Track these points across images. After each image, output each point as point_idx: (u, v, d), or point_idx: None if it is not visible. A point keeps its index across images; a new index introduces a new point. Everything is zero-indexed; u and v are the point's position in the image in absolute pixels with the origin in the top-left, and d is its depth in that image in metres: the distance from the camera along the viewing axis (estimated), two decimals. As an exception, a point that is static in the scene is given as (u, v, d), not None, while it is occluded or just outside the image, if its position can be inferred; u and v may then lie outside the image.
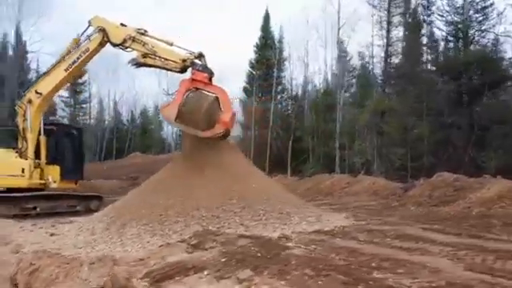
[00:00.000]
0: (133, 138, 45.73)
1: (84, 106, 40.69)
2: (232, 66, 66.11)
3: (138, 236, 8.12)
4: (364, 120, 25.20)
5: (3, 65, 36.58)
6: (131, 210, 9.33)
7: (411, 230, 8.24)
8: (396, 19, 29.11)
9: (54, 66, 13.01)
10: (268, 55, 39.02)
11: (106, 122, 47.27)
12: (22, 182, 12.07)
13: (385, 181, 18.17)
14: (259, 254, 5.63)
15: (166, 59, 11.81)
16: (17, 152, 12.41)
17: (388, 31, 28.01)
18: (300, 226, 8.85)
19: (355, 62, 37.34)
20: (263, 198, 9.66)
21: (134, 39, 12.00)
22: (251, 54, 40.91)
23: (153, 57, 11.94)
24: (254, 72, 39.93)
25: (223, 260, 5.51)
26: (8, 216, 11.17)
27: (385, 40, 28.53)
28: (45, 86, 12.73)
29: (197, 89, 11.27)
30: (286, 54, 40.90)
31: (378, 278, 4.55)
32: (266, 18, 41.64)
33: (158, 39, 12.23)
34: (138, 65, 12.55)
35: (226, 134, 11.79)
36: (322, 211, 11.11)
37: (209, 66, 11.85)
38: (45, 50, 56.13)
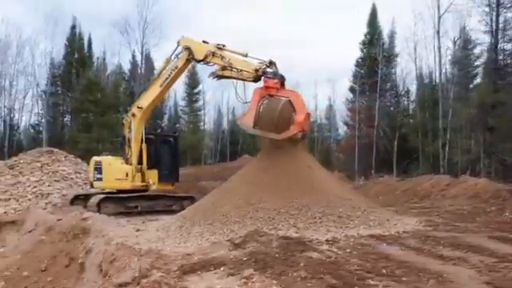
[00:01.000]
0: (245, 141, 48.42)
1: (199, 113, 44.65)
2: (340, 65, 65.11)
3: (200, 234, 9.05)
4: (467, 115, 22.66)
5: (135, 83, 42.08)
6: (202, 211, 10.37)
7: (474, 239, 7.60)
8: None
9: (151, 83, 14.96)
10: (373, 52, 37.64)
11: (223, 127, 50.76)
12: (126, 185, 14.16)
13: (488, 182, 16.30)
14: (277, 255, 5.99)
15: (241, 70, 12.64)
16: (124, 159, 14.60)
17: (498, 14, 24.66)
18: (355, 230, 8.80)
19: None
20: (324, 200, 9.80)
21: (213, 54, 13.12)
22: (358, 52, 40.04)
23: (229, 69, 12.90)
24: (360, 70, 38.92)
25: (245, 259, 6.03)
26: (114, 213, 13.26)
27: (493, 25, 25.11)
28: (144, 101, 14.69)
29: (270, 95, 11.91)
30: (397, 49, 39.12)
31: (367, 285, 4.59)
32: (373, 13, 40.28)
33: (234, 52, 13.20)
34: (218, 77, 13.74)
35: (303, 136, 12.19)
36: (392, 215, 10.71)
37: (280, 71, 12.48)
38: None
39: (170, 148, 15.90)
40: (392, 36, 38.97)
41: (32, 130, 45.00)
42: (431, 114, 30.75)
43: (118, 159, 14.72)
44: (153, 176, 14.89)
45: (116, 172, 14.25)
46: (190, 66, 14.48)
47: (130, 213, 13.86)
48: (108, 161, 14.75)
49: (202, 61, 13.55)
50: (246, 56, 13.43)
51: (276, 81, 12.02)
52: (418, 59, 36.16)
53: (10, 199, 14.89)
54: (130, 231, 10.51)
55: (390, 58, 37.64)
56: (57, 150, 18.98)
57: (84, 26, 46.96)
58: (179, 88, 44.91)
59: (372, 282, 4.67)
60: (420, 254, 6.44)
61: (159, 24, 40.40)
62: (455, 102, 25.86)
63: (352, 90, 39.66)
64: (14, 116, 43.20)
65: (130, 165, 14.46)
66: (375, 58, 36.77)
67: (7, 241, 12.84)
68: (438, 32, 31.07)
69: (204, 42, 13.82)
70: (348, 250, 6.71)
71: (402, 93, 38.54)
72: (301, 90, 49.77)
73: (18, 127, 45.75)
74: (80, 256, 10.17)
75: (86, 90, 35.04)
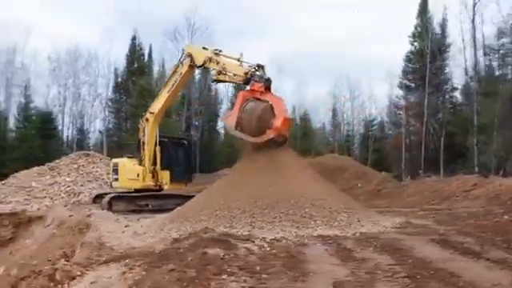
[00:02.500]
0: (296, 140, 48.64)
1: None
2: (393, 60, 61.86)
3: (168, 231, 9.65)
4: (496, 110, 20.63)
5: (187, 88, 44.12)
6: (183, 210, 11.01)
7: (414, 242, 7.30)
8: None
9: (161, 90, 15.96)
10: (423, 45, 35.64)
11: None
12: (137, 184, 15.26)
13: (512, 183, 14.97)
14: (181, 250, 6.40)
15: (235, 74, 13.11)
16: (138, 160, 15.75)
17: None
18: (312, 230, 8.79)
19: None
20: (293, 200, 9.89)
21: (211, 59, 13.72)
22: (407, 46, 38.19)
23: (224, 73, 13.42)
24: (409, 64, 37.13)
25: (157, 252, 6.54)
26: (125, 211, 14.39)
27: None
28: (155, 107, 15.71)
29: (257, 99, 12.23)
30: (448, 40, 36.67)
31: (220, 279, 4.85)
32: (423, 3, 38.15)
33: (229, 56, 13.70)
34: (216, 81, 14.33)
35: (283, 141, 12.28)
36: (370, 216, 10.43)
37: (267, 75, 12.77)
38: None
39: (183, 151, 16.77)
40: (444, 26, 36.57)
41: (99, 135, 49.23)
42: (476, 109, 28.49)
43: (131, 161, 15.89)
44: (165, 176, 15.85)
45: (129, 173, 15.41)
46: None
47: (141, 211, 14.92)
48: (123, 162, 15.98)
49: (201, 66, 14.23)
50: (239, 60, 13.89)
51: (261, 84, 12.29)
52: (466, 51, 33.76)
53: (45, 197, 16.82)
54: (119, 227, 11.47)
55: (440, 50, 35.36)
56: (94, 152, 20.97)
57: (145, 36, 50.45)
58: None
59: (224, 276, 4.92)
60: (333, 255, 6.43)
61: (206, 30, 41.36)
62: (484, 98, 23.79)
63: (401, 85, 37.90)
64: (83, 122, 47.78)
65: (144, 166, 15.55)
66: (425, 51, 34.82)
67: (34, 233, 14.58)
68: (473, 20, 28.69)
69: (204, 48, 14.52)
70: (268, 249, 6.90)
71: (451, 87, 36.04)
72: (358, 89, 48.47)
73: (88, 132, 50.37)
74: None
75: (140, 96, 37.66)
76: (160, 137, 16.10)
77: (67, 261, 6.47)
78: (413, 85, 36.65)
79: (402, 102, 36.02)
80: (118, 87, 46.78)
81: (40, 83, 45.61)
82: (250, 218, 9.36)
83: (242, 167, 11.95)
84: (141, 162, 15.67)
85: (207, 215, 9.90)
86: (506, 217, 10.57)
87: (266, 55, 65.97)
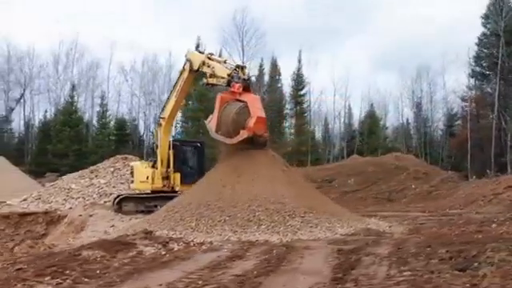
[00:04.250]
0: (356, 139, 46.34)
1: (305, 114, 44.56)
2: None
3: (125, 231, 10.13)
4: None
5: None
6: (158, 212, 11.37)
7: (323, 250, 6.73)
8: None
9: (170, 95, 16.62)
10: (496, 28, 31.58)
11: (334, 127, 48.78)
12: (147, 186, 16.01)
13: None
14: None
15: (222, 77, 13.23)
16: (150, 163, 16.58)
17: None
18: (256, 236, 8.56)
19: None
20: (244, 204, 9.71)
21: (204, 63, 14.00)
22: (477, 30, 34.12)
23: (213, 76, 13.60)
24: (482, 49, 33.14)
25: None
26: (135, 211, 15.24)
27: None
28: (166, 112, 16.39)
29: (237, 100, 12.23)
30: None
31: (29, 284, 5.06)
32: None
33: (217, 60, 13.82)
34: (207, 85, 14.57)
35: (263, 142, 11.98)
36: (347, 223, 9.64)
37: (247, 76, 12.66)
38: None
39: (196, 153, 17.21)
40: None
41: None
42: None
43: (144, 164, 16.77)
44: (176, 178, 16.46)
45: (140, 175, 16.28)
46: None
47: (150, 211, 15.67)
48: (137, 165, 16.92)
49: (197, 70, 14.54)
50: (225, 62, 13.93)
51: (239, 85, 12.21)
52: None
53: (79, 198, 18.53)
54: (109, 226, 12.24)
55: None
56: (132, 156, 22.41)
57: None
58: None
59: (40, 279, 5.10)
60: (214, 261, 6.24)
61: (254, 33, 41.06)
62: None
63: (471, 74, 33.93)
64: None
65: (156, 169, 16.32)
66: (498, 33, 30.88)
67: (58, 230, 16.23)
68: None
69: (200, 52, 14.83)
70: (163, 253, 6.94)
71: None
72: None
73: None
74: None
75: (197, 100, 39.29)
76: (174, 140, 16.76)
77: None
78: (486, 72, 32.62)
79: (468, 93, 32.27)
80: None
81: (124, 91, 48.65)
82: (195, 221, 9.41)
83: (215, 169, 11.99)
84: (153, 165, 16.48)
85: (164, 216, 10.19)
86: (493, 225, 9.09)
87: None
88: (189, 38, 74.57)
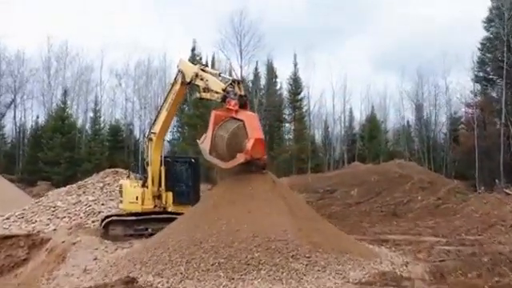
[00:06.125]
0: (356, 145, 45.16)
1: (304, 118, 43.27)
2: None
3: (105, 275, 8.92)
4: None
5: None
6: (140, 249, 10.14)
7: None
8: None
9: (160, 109, 15.38)
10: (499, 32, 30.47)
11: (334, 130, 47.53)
12: (137, 207, 14.72)
13: None
14: None
15: (216, 91, 12.08)
16: (139, 182, 15.32)
17: None
18: (252, 284, 7.39)
19: None
20: (241, 244, 8.52)
21: (197, 75, 12.83)
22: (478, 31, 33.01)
23: (207, 90, 12.43)
24: (484, 54, 32.10)
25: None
26: (123, 236, 13.96)
27: None
28: (157, 126, 15.16)
29: (232, 118, 11.08)
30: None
31: None
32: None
33: (211, 72, 12.64)
34: (203, 99, 13.35)
35: (262, 164, 10.83)
36: (359, 263, 8.40)
37: (243, 92, 11.50)
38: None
39: (188, 170, 15.96)
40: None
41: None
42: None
43: (133, 182, 15.48)
44: (168, 198, 15.23)
45: (129, 195, 15.02)
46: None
47: (141, 235, 14.41)
48: (126, 184, 15.61)
49: (190, 83, 13.35)
50: (220, 75, 12.78)
51: (234, 102, 11.07)
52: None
53: (65, 217, 17.25)
54: (91, 258, 11.02)
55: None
56: (122, 170, 21.09)
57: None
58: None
59: None
60: None
61: (252, 36, 39.66)
62: None
63: (475, 79, 32.85)
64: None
65: (147, 188, 15.07)
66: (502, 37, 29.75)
67: (40, 256, 14.99)
68: None
69: (193, 62, 13.63)
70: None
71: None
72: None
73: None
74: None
75: (194, 106, 38.04)
76: (166, 156, 15.56)
77: None
78: (490, 76, 31.49)
79: (473, 98, 31.12)
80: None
81: (118, 95, 47.30)
82: (185, 265, 8.19)
83: (209, 196, 10.78)
84: (144, 184, 15.25)
85: (150, 256, 8.95)
86: None
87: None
88: (185, 39, 73.65)
